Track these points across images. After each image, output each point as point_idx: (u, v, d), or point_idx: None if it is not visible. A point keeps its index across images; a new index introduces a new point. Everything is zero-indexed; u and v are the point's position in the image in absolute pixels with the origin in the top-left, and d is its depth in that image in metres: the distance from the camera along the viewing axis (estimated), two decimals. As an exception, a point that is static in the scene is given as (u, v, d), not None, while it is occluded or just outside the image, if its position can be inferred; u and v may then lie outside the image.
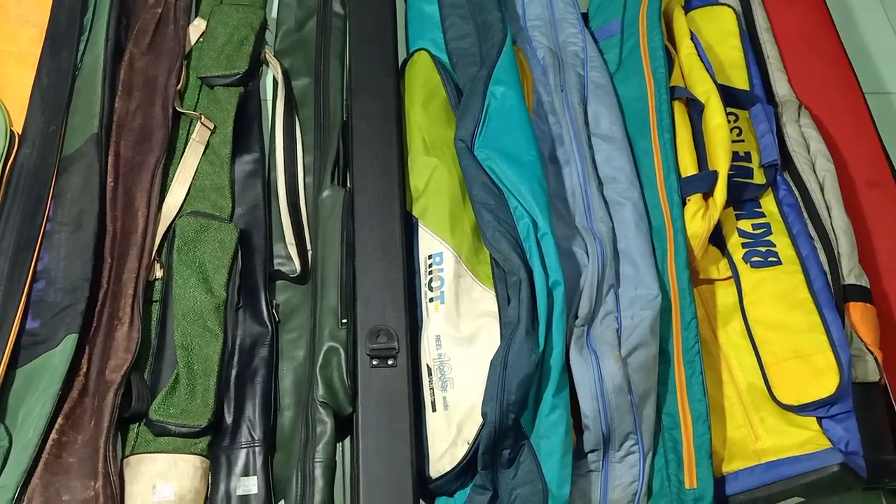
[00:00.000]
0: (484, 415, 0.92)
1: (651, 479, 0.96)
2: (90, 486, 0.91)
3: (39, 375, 0.95)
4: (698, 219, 1.10)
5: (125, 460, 0.95)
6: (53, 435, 0.92)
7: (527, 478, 0.92)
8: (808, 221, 1.12)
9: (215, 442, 0.97)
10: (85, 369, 0.97)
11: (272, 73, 1.28)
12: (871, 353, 1.03)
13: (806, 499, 0.96)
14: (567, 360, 0.97)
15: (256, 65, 1.26)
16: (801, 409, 0.97)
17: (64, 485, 0.90)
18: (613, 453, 0.96)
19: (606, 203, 1.12)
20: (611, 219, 1.10)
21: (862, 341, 1.03)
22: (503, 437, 0.92)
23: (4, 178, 1.09)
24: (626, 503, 0.94)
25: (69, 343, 0.96)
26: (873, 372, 1.02)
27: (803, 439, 0.95)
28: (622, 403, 0.95)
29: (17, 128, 1.14)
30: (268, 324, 1.05)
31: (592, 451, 0.96)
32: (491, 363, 0.95)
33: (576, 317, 1.00)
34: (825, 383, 0.96)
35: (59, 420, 0.93)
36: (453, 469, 0.95)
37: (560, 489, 0.90)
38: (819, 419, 0.97)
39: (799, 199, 1.14)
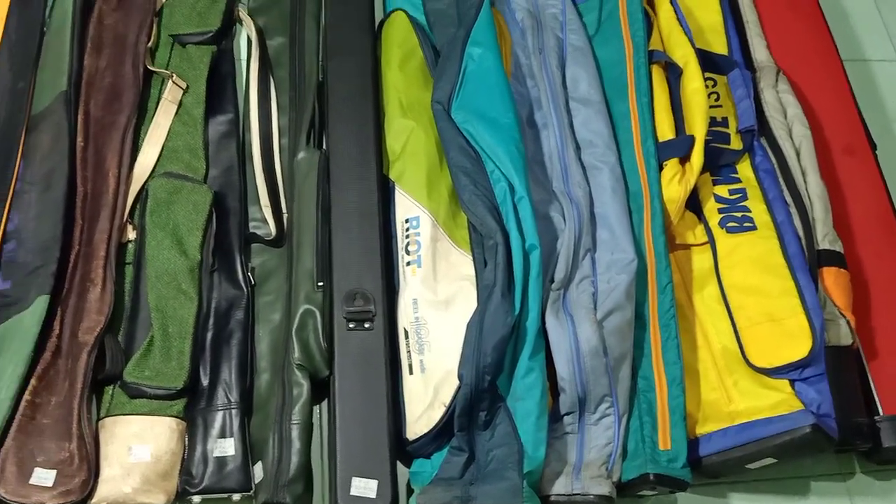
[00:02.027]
0: (460, 377, 0.93)
1: (626, 441, 0.97)
2: (65, 447, 0.90)
3: (11, 337, 0.94)
4: (675, 183, 1.10)
5: (100, 422, 0.94)
6: (27, 396, 0.91)
7: (503, 440, 0.92)
8: (784, 187, 1.12)
9: (191, 404, 0.96)
10: (58, 331, 0.96)
11: (246, 32, 1.25)
12: (844, 317, 1.04)
13: (778, 460, 0.97)
14: (543, 324, 0.98)
15: (230, 23, 1.24)
16: (774, 372, 0.99)
17: (38, 446, 0.90)
18: (589, 416, 0.97)
19: (584, 167, 1.12)
20: (588, 183, 1.10)
21: (835, 305, 1.04)
22: (479, 399, 0.93)
23: (-28, 135, 1.07)
24: (602, 464, 0.95)
25: (41, 304, 0.95)
26: (846, 336, 1.03)
27: (776, 401, 0.97)
28: (598, 366, 0.96)
29: (-15, 84, 1.11)
30: (243, 286, 1.04)
31: (568, 413, 0.97)
32: (467, 325, 0.95)
33: (552, 280, 1.01)
34: (798, 346, 0.98)
35: (33, 381, 0.92)
36: (430, 431, 0.95)
37: (536, 451, 0.91)
38: (792, 382, 0.98)
39: (775, 165, 1.15)
